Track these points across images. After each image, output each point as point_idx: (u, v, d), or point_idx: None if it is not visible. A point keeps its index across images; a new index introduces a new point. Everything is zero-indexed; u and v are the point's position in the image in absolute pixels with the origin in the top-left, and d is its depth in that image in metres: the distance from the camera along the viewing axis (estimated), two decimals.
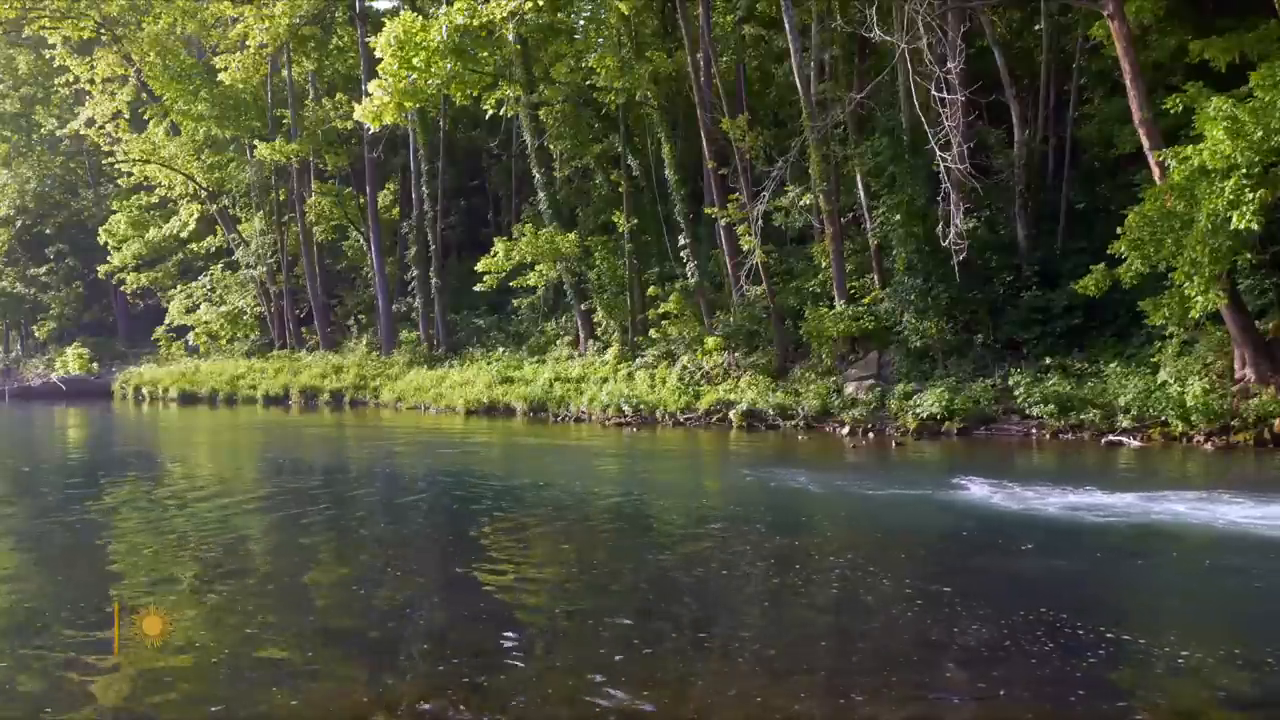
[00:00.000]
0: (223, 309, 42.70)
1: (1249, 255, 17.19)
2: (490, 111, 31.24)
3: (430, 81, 22.11)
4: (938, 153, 18.80)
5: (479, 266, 30.74)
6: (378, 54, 21.39)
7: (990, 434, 20.36)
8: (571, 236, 29.78)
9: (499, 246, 30.42)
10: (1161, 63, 21.69)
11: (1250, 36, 18.71)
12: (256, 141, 38.76)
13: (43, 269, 51.24)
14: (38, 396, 41.93)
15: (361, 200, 38.85)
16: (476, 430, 25.58)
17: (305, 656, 7.79)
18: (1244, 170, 15.29)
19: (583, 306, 31.10)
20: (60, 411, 36.10)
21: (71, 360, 44.54)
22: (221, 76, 37.47)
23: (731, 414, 23.73)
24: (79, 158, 50.98)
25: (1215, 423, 17.79)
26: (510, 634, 8.24)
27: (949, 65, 18.66)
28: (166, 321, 43.94)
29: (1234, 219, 15.21)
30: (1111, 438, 18.86)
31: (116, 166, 43.97)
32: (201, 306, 43.14)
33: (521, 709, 6.64)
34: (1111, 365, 20.22)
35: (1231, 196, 15.28)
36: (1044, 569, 10.18)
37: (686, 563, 10.79)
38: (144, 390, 39.38)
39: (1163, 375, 19.14)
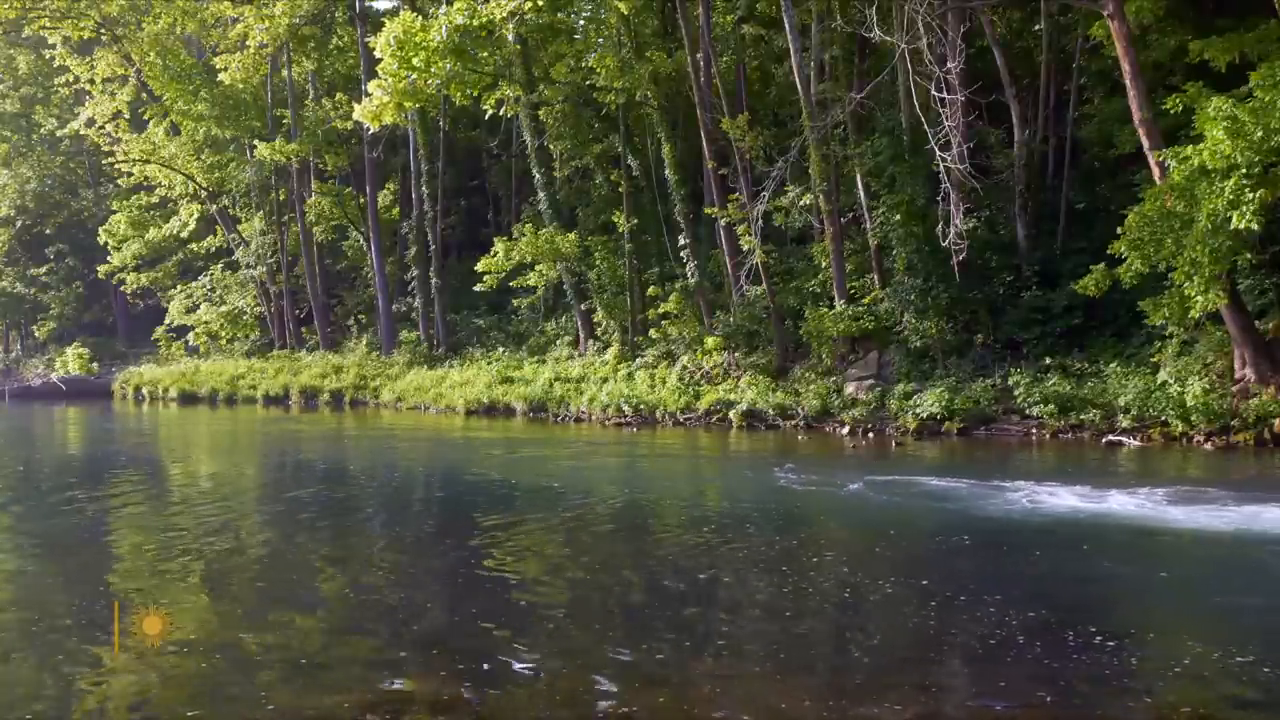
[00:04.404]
0: (223, 309, 42.68)
1: (1249, 255, 17.19)
2: (490, 111, 31.22)
3: (430, 81, 22.07)
4: (938, 153, 18.80)
5: (479, 266, 30.73)
6: (378, 54, 21.36)
7: (990, 434, 20.37)
8: (571, 236, 29.78)
9: (499, 246, 30.41)
10: (1161, 63, 21.69)
11: (1250, 36, 18.70)
12: (256, 141, 38.73)
13: (43, 269, 51.22)
14: (38, 396, 41.91)
15: (361, 200, 38.83)
16: (476, 430, 25.58)
17: (305, 656, 7.79)
18: (1244, 170, 15.30)
19: (583, 306, 31.10)
20: (60, 411, 36.10)
21: (71, 360, 44.49)
22: (221, 76, 37.46)
23: (731, 414, 23.73)
24: (79, 158, 50.94)
25: (1215, 423, 17.80)
26: (510, 634, 8.24)
27: (949, 65, 18.66)
28: (166, 321, 43.91)
29: (1234, 219, 15.22)
30: (1111, 438, 18.87)
31: (116, 166, 43.90)
32: (201, 306, 43.12)
33: (522, 709, 6.64)
34: (1111, 365, 20.22)
35: (1231, 196, 15.29)
36: (1043, 568, 10.17)
37: (686, 562, 10.79)
38: (144, 390, 39.35)
39: (1163, 375, 19.15)
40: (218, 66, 37.55)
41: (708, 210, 26.79)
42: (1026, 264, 22.98)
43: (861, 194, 24.99)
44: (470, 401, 29.09)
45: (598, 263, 29.77)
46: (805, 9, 25.34)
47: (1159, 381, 19.05)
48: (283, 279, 40.96)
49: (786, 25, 23.94)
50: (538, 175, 31.80)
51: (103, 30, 40.28)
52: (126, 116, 42.47)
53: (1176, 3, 21.19)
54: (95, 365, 44.60)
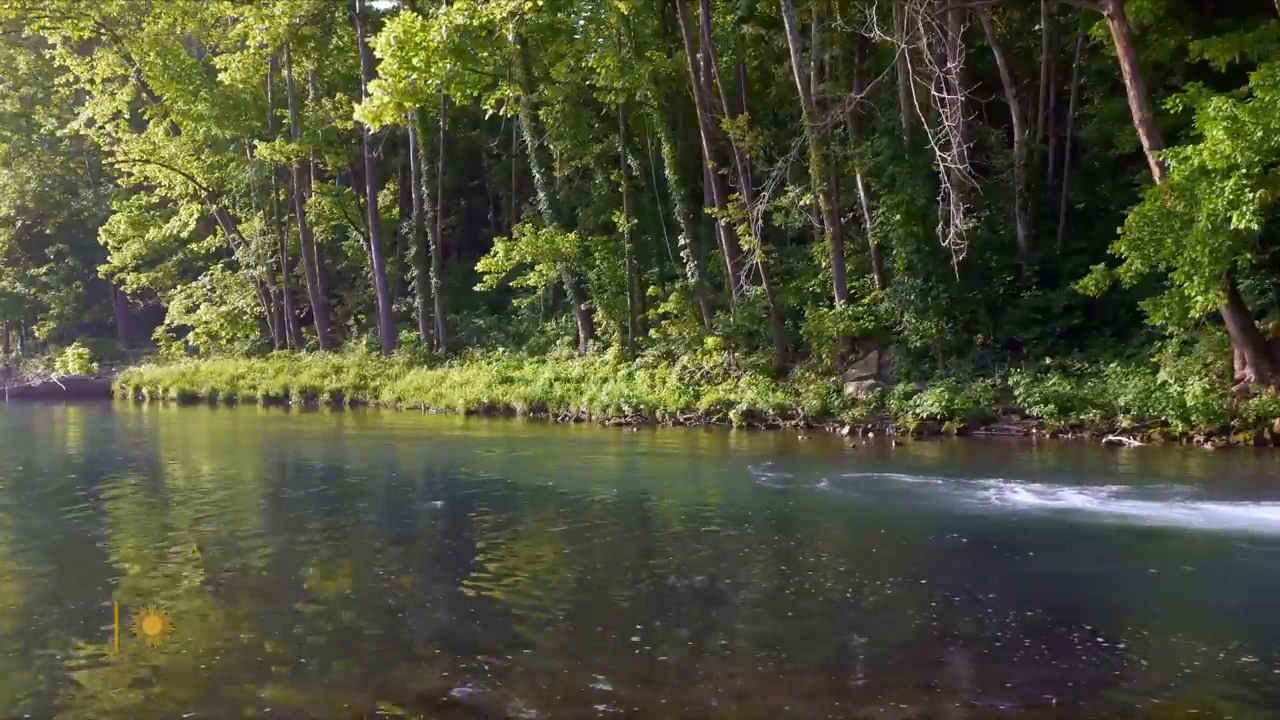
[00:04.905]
0: (223, 309, 42.69)
1: (1249, 255, 17.19)
2: (490, 111, 31.23)
3: (430, 81, 22.09)
4: (938, 153, 18.80)
5: (479, 266, 30.73)
6: (378, 54, 21.38)
7: (990, 434, 20.37)
8: (571, 236, 29.78)
9: (499, 246, 30.41)
10: (1161, 63, 21.69)
11: (1250, 36, 18.71)
12: (256, 141, 38.75)
13: (43, 269, 51.23)
14: (38, 396, 41.93)
15: (361, 200, 38.84)
16: (476, 430, 25.58)
17: (305, 656, 7.79)
18: (1244, 170, 15.30)
19: (583, 306, 31.10)
20: (60, 411, 36.11)
21: (71, 360, 44.50)
22: (221, 76, 37.47)
23: (731, 414, 23.73)
24: (79, 158, 50.96)
25: (1215, 423, 17.80)
26: (510, 634, 8.25)
27: (949, 65, 18.66)
28: (166, 321, 43.93)
29: (1234, 219, 15.22)
30: (1111, 438, 18.87)
31: (116, 166, 43.92)
32: (201, 306, 43.13)
33: (522, 709, 6.64)
34: (1111, 365, 20.22)
35: (1231, 196, 15.29)
36: (1041, 568, 10.17)
37: (686, 562, 10.79)
38: (144, 390, 39.38)
39: (1163, 375, 19.15)
40: (218, 66, 37.56)
41: (708, 210, 26.78)
42: (1026, 264, 22.98)
43: (861, 194, 24.99)
44: (470, 401, 29.09)
45: (598, 263, 29.77)
46: (805, 9, 25.33)
47: (1159, 381, 19.04)
48: (283, 279, 40.97)
49: (786, 25, 23.94)
50: (538, 175, 31.81)
51: (103, 30, 40.29)
52: (126, 116, 42.48)
53: (1176, 3, 21.19)
54: (95, 365, 44.61)
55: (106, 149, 43.17)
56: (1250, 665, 7.22)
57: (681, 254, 27.86)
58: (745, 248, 24.92)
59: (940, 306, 22.14)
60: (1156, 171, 17.60)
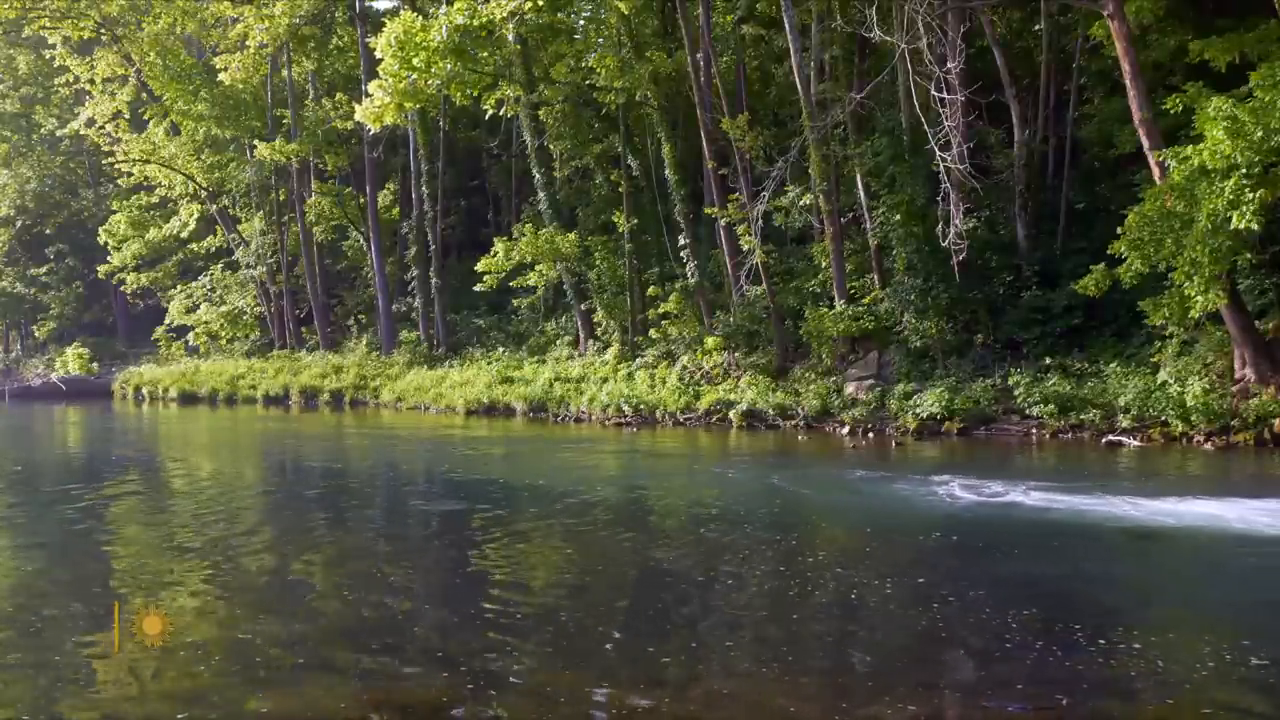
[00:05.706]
0: (223, 309, 42.69)
1: (1249, 255, 17.18)
2: (490, 111, 31.24)
3: (430, 82, 22.11)
4: (938, 153, 18.79)
5: (479, 266, 30.73)
6: (378, 54, 21.39)
7: (990, 434, 20.37)
8: (571, 236, 29.78)
9: (499, 246, 30.42)
10: (1161, 63, 21.70)
11: (1250, 36, 18.70)
12: (256, 141, 38.75)
13: (43, 269, 51.22)
14: (38, 396, 41.94)
15: (361, 200, 38.85)
16: (476, 430, 25.58)
17: (305, 656, 7.79)
18: (1244, 170, 15.29)
19: (583, 306, 31.10)
20: (60, 411, 36.10)
21: (71, 360, 44.49)
22: (221, 76, 37.47)
23: (731, 414, 23.73)
24: (79, 158, 50.95)
25: (1215, 423, 17.79)
26: (510, 634, 8.25)
27: (949, 65, 18.66)
28: (166, 321, 43.93)
29: (1234, 219, 15.21)
30: (1111, 438, 18.86)
31: (116, 166, 43.92)
32: (201, 306, 43.14)
33: (522, 709, 6.64)
34: (1111, 365, 20.22)
35: (1231, 196, 15.28)
36: (1039, 568, 10.17)
37: (686, 563, 10.80)
38: (144, 390, 39.38)
39: (1163, 375, 19.14)
40: (218, 66, 37.56)
41: (708, 210, 26.78)
42: (1026, 264, 22.97)
43: (861, 194, 24.98)
44: (470, 401, 29.09)
45: (598, 263, 29.77)
46: (805, 9, 25.33)
47: (1159, 381, 19.04)
48: (283, 279, 40.97)
49: (786, 25, 23.94)
50: (538, 175, 31.81)
51: (103, 30, 40.28)
52: (126, 116, 42.49)
53: (1176, 3, 21.19)
54: (95, 365, 44.60)
55: (106, 149, 43.16)
56: (1256, 665, 7.22)
57: (681, 254, 27.86)
58: (745, 248, 24.91)
59: (940, 306, 22.14)
60: (1156, 171, 17.60)
